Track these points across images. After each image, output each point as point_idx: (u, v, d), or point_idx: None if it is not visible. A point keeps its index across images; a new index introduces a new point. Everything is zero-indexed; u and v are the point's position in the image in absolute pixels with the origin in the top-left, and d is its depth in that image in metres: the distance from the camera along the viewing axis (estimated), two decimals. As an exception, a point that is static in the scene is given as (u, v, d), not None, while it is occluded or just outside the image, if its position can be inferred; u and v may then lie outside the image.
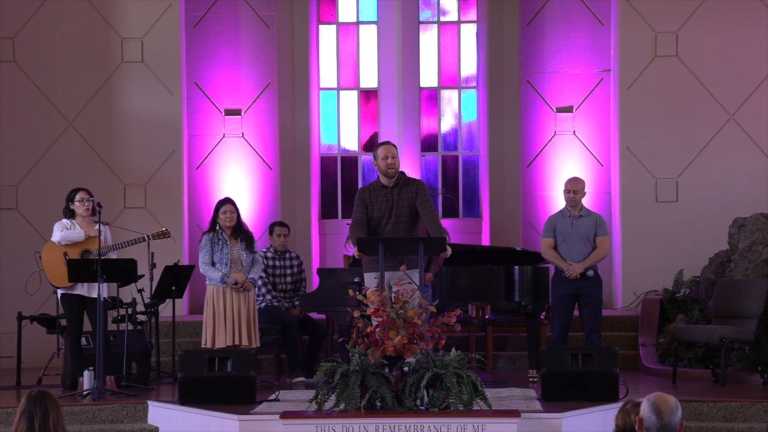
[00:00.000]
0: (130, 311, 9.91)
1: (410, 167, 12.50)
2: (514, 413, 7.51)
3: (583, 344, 9.78)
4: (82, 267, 8.96)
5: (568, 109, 12.87)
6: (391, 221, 8.57)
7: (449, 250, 8.30)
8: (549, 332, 10.37)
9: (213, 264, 9.35)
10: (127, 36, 12.27)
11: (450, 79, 13.23)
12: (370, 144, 13.13)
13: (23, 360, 10.30)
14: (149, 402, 8.58)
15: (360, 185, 12.81)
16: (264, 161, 12.87)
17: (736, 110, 12.18)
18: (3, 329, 11.47)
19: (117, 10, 12.28)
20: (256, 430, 7.67)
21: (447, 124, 13.25)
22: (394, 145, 8.77)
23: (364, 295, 7.65)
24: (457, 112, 13.22)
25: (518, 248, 11.51)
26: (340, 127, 13.26)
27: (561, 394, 8.26)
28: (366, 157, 13.11)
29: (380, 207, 8.61)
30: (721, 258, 11.04)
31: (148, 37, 12.28)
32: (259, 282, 10.23)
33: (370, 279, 8.44)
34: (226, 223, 9.41)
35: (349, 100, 13.26)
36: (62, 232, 9.19)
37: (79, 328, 9.24)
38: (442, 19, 13.25)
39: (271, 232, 10.56)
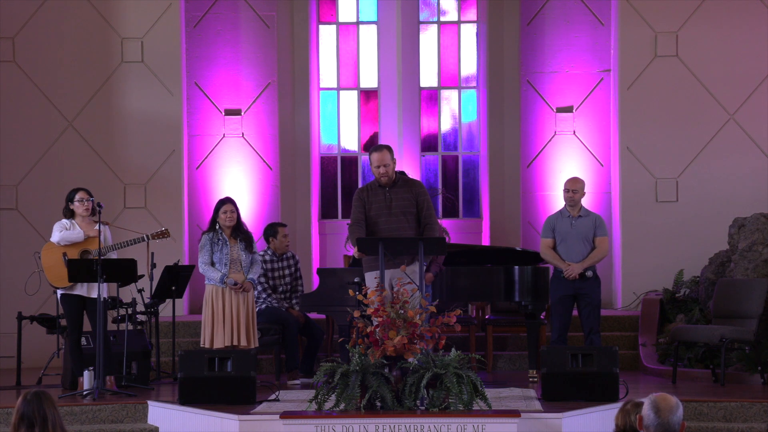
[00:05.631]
0: (130, 311, 9.90)
1: (410, 167, 12.50)
2: (514, 413, 7.51)
3: (582, 344, 9.78)
4: (81, 267, 8.96)
5: (568, 109, 12.86)
6: (390, 219, 8.57)
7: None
8: (549, 332, 10.36)
9: (212, 264, 9.34)
10: (127, 36, 12.27)
11: (450, 79, 13.23)
12: (370, 144, 13.11)
13: (23, 360, 10.29)
14: (149, 402, 8.58)
15: (360, 185, 12.79)
16: (264, 161, 12.86)
17: (736, 110, 12.18)
18: (3, 329, 11.46)
19: (117, 10, 12.28)
20: (256, 430, 7.67)
21: (447, 124, 13.24)
22: (389, 149, 8.66)
23: (364, 295, 7.65)
24: (457, 112, 13.21)
25: (518, 248, 11.50)
26: (340, 127, 13.25)
27: (561, 394, 8.26)
28: (366, 157, 13.10)
29: (378, 206, 8.60)
30: (721, 258, 11.04)
31: (148, 37, 12.27)
32: (260, 288, 10.21)
33: (370, 278, 8.44)
34: (226, 222, 9.40)
35: (349, 100, 13.26)
36: (61, 232, 9.18)
37: (79, 328, 9.24)
38: (442, 19, 13.24)
39: (274, 234, 10.40)
